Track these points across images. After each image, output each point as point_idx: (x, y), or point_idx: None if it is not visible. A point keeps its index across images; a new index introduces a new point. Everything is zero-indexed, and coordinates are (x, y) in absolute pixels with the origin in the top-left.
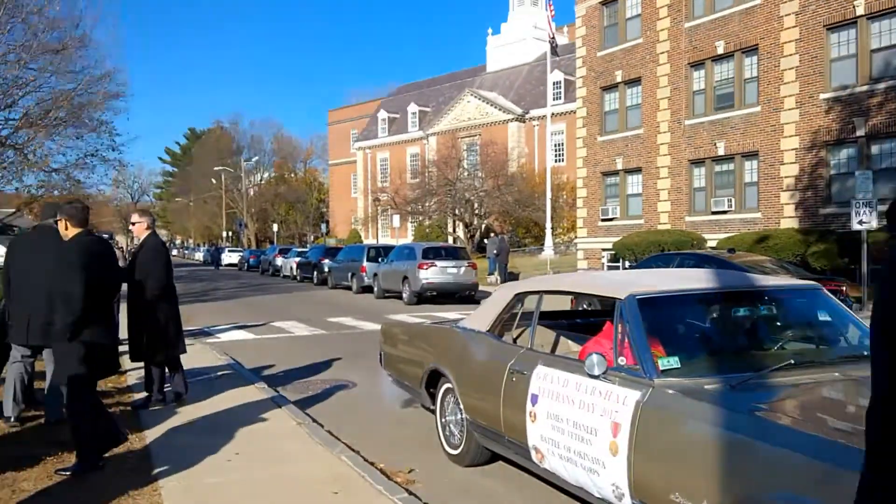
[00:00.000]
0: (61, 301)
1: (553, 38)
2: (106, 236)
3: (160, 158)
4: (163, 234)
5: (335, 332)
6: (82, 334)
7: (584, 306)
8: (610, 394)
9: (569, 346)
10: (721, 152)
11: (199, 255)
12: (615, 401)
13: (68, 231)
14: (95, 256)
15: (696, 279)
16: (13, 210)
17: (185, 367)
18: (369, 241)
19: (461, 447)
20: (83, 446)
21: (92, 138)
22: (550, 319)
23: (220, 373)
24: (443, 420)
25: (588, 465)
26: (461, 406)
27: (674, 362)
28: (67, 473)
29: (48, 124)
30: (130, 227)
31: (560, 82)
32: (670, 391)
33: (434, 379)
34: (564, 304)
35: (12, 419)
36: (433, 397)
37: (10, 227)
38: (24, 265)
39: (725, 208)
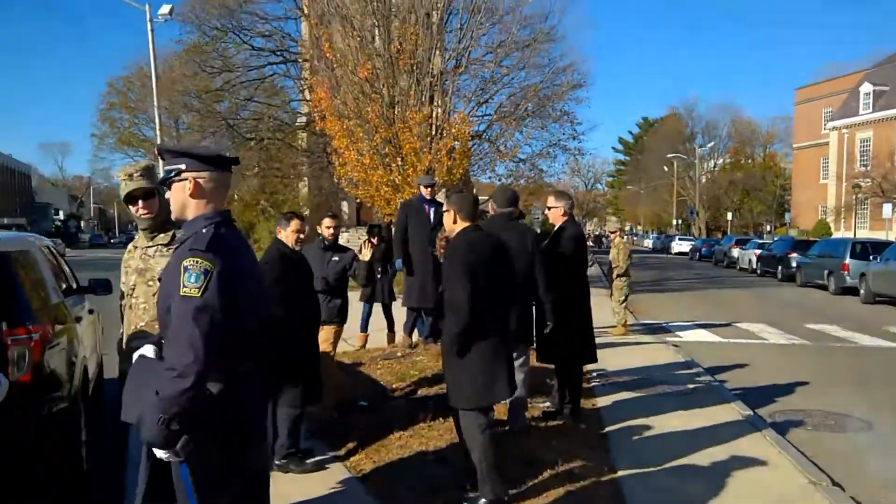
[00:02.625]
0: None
1: None
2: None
3: (613, 148)
4: (612, 220)
5: (819, 343)
6: (472, 347)
7: None
8: None
9: None
10: None
11: (648, 243)
12: None
13: (455, 225)
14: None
15: None
16: (486, 198)
17: (650, 373)
18: (840, 233)
19: None
20: (490, 474)
21: (555, 128)
22: None
23: (689, 385)
24: None
25: None
26: None
27: None
28: None
29: (517, 117)
30: (546, 211)
31: None
32: None
33: None
34: None
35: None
36: None
37: (483, 212)
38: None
39: None
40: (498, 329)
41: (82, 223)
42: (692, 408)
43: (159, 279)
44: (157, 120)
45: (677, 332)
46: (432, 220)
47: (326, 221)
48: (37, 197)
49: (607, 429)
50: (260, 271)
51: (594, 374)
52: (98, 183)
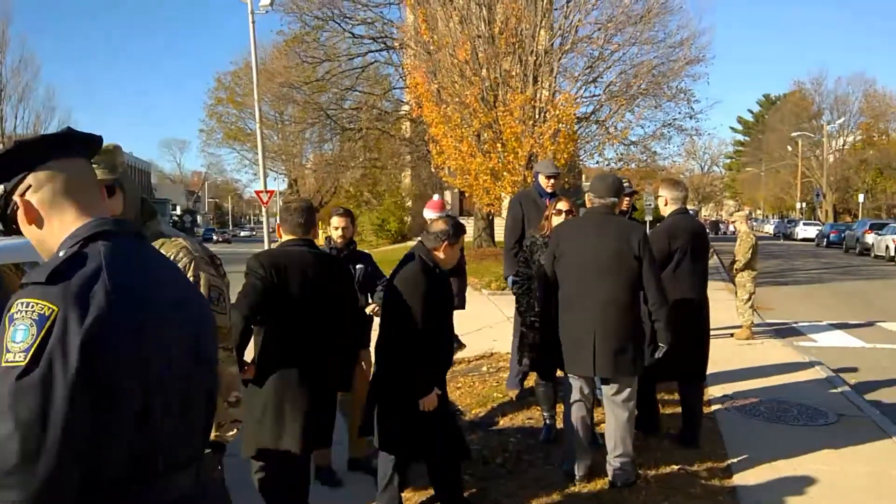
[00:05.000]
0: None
1: None
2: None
3: (731, 128)
4: (730, 204)
5: None
6: None
7: None
8: None
9: None
10: None
11: (769, 228)
12: None
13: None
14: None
15: None
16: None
17: (785, 395)
18: None
19: None
20: None
21: (669, 107)
22: None
23: (836, 412)
24: None
25: None
26: None
27: None
28: None
29: (629, 96)
30: (656, 199)
31: None
32: None
33: None
34: None
35: (578, 477)
36: None
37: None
38: (578, 256)
39: None
40: None
41: (199, 218)
42: (842, 445)
43: None
44: (257, 112)
45: (811, 335)
46: None
47: (336, 220)
48: (156, 193)
49: (735, 478)
50: (200, 312)
51: (717, 396)
52: (213, 178)
